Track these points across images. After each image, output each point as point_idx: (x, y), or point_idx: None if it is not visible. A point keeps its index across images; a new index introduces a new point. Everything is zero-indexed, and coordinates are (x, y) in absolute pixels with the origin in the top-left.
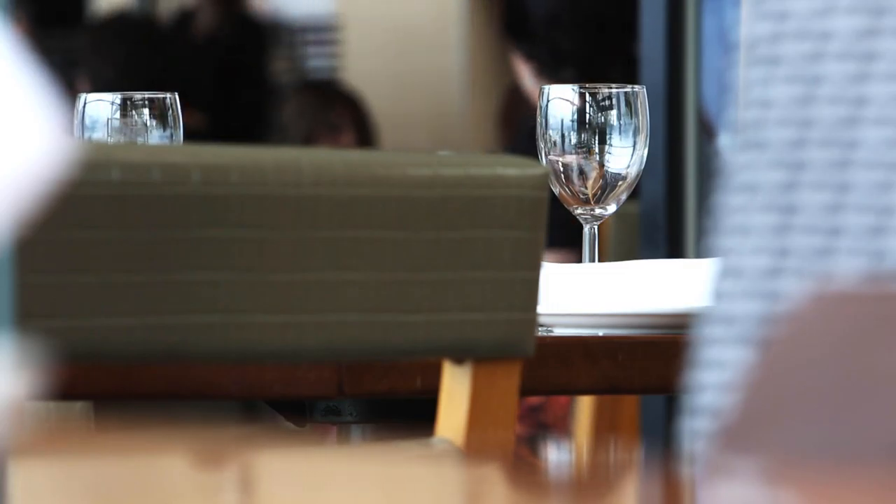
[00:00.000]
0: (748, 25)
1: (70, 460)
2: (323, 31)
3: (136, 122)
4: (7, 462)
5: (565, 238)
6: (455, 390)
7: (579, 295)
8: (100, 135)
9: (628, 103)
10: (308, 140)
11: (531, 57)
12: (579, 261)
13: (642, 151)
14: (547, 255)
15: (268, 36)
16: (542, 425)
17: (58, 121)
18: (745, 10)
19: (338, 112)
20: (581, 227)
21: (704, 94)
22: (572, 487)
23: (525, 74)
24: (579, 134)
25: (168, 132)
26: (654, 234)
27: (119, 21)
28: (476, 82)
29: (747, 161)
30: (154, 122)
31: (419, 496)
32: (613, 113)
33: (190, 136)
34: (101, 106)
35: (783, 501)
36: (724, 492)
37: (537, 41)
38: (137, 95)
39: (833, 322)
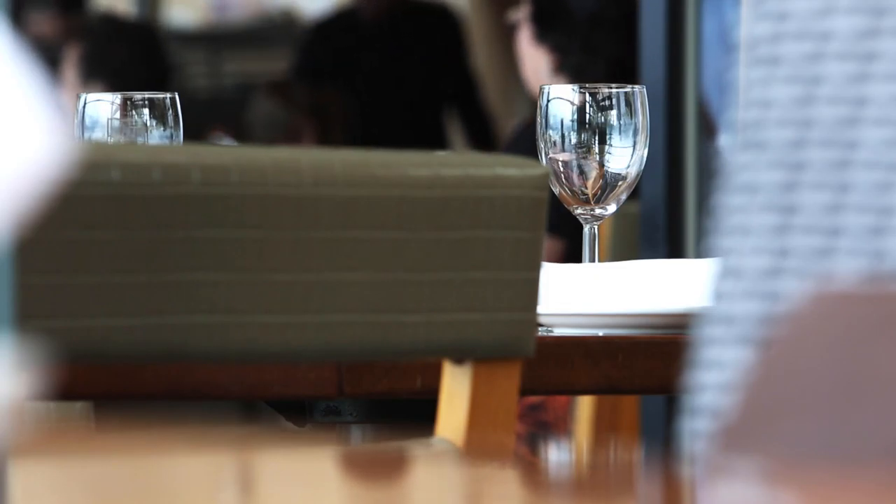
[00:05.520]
0: (748, 25)
1: (70, 460)
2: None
3: (136, 122)
4: (7, 462)
5: (556, 224)
6: (455, 390)
7: (579, 295)
8: (100, 135)
9: (628, 103)
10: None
11: (556, 50)
12: (571, 247)
13: (642, 151)
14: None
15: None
16: (542, 424)
17: (57, 121)
18: (745, 11)
19: (297, 120)
20: (572, 216)
21: (704, 94)
22: (572, 487)
23: (536, 65)
24: (579, 134)
25: (168, 132)
26: (654, 234)
27: (116, 24)
28: (478, 79)
29: (747, 161)
30: (154, 122)
31: (419, 496)
32: (613, 113)
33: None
34: (101, 106)
35: (783, 501)
36: (724, 492)
37: (575, 36)
38: (137, 95)
39: (833, 322)
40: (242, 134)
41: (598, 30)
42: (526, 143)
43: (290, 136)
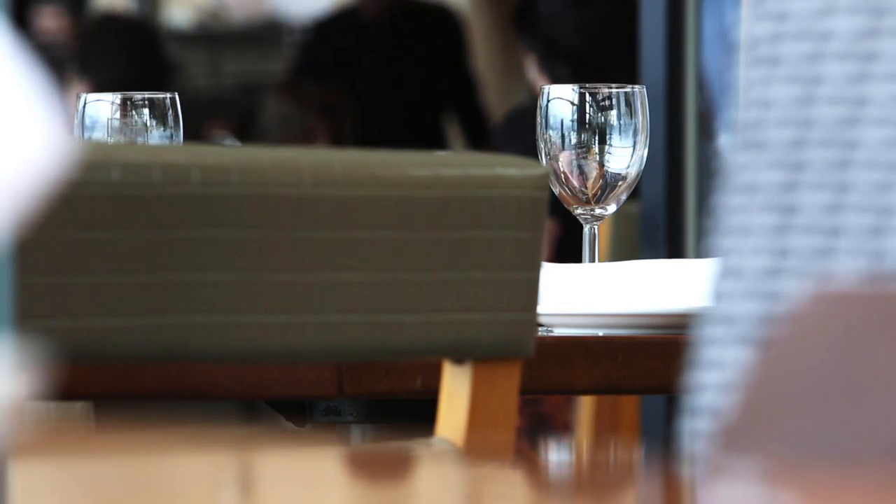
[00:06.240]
0: (748, 25)
1: (70, 460)
2: None
3: (136, 122)
4: (7, 462)
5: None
6: (455, 390)
7: (579, 295)
8: (100, 135)
9: (628, 103)
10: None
11: (531, 49)
12: (564, 232)
13: (642, 151)
14: None
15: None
16: (540, 416)
17: (57, 121)
18: (745, 11)
19: (312, 119)
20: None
21: (704, 94)
22: (573, 487)
23: (529, 66)
24: (579, 134)
25: (168, 132)
26: (654, 234)
27: (115, 23)
28: (478, 80)
29: (747, 161)
30: (154, 122)
31: (419, 496)
32: (613, 113)
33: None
34: (101, 106)
35: (783, 501)
36: (724, 492)
37: (538, 35)
38: (137, 95)
39: (833, 322)
40: (243, 133)
41: (557, 31)
42: (519, 126)
43: (305, 137)
